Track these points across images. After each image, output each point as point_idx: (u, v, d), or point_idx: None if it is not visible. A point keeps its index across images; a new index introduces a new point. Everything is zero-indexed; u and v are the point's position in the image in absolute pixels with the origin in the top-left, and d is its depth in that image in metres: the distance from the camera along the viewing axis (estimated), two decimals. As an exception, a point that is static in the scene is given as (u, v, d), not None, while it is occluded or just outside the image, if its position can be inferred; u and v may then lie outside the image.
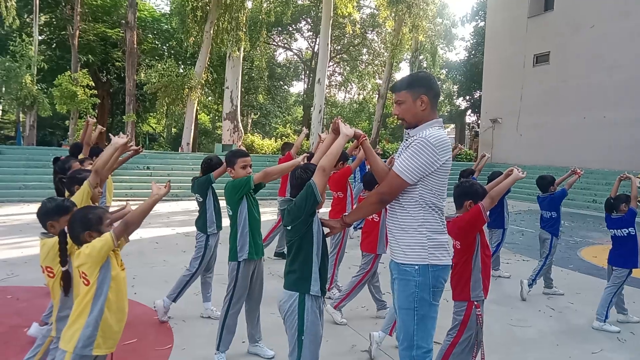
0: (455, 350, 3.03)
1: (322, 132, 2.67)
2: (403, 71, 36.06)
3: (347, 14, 24.91)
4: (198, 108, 25.17)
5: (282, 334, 2.70)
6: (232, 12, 19.32)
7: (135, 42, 20.74)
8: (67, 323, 2.36)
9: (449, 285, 2.91)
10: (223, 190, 3.56)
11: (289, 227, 2.60)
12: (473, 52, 33.23)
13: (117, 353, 2.53)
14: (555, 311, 5.17)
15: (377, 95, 31.23)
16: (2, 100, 21.18)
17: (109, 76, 26.73)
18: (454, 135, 37.34)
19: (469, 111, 36.07)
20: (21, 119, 23.35)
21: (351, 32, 29.62)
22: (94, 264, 2.29)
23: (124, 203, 3.18)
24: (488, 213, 3.06)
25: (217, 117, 33.62)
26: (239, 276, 3.49)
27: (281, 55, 38.13)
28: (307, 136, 19.86)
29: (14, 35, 20.17)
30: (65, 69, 21.43)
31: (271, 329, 3.93)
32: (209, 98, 31.56)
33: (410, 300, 2.42)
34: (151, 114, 30.68)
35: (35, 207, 2.87)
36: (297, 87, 46.94)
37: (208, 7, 19.74)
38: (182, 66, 26.40)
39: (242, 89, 23.92)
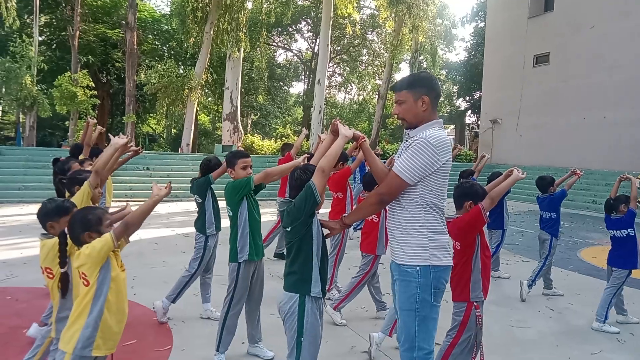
0: (454, 351, 3.03)
1: (322, 133, 2.67)
2: (403, 72, 36.12)
3: (347, 15, 24.92)
4: (198, 109, 25.19)
5: (282, 334, 2.69)
6: (232, 12, 19.33)
7: (135, 43, 20.76)
8: (67, 324, 2.36)
9: (449, 286, 2.91)
10: (223, 191, 3.56)
11: (288, 229, 2.60)
12: (473, 52, 33.25)
13: (116, 354, 2.53)
14: (554, 312, 5.17)
15: (377, 96, 31.25)
16: (2, 101, 21.20)
17: (109, 77, 26.75)
18: (453, 136, 37.35)
19: (469, 112, 36.09)
20: (21, 120, 23.36)
21: (351, 32, 29.64)
22: (93, 264, 2.29)
23: (124, 204, 3.19)
24: (488, 214, 3.06)
25: (217, 118, 33.62)
26: (239, 277, 3.49)
27: (281, 56, 38.21)
28: (307, 137, 19.85)
29: (14, 36, 20.18)
30: (65, 69, 21.45)
31: (270, 329, 3.92)
32: (209, 99, 31.58)
33: (412, 302, 2.41)
34: (151, 115, 30.68)
35: (34, 207, 2.87)
36: (297, 88, 47.04)
37: (208, 8, 19.75)
38: (182, 67, 26.42)
39: (242, 90, 23.93)
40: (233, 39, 19.41)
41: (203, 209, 4.34)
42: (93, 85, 19.68)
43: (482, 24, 30.51)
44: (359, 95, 38.28)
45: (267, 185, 3.74)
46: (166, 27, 27.98)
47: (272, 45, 33.96)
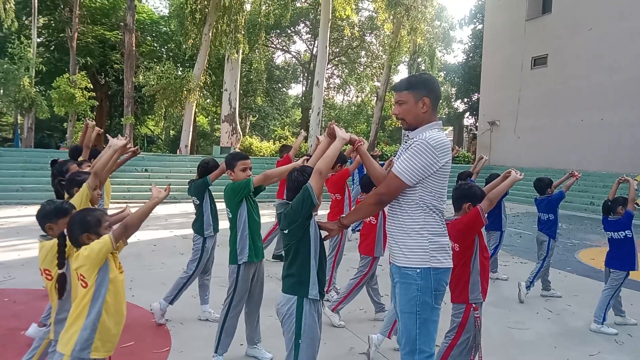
0: (453, 352, 3.03)
1: (320, 135, 2.68)
2: (401, 74, 36.10)
3: (345, 17, 24.93)
4: (196, 110, 25.17)
5: (280, 336, 2.69)
6: (231, 14, 19.34)
7: (133, 45, 20.75)
8: (65, 326, 2.36)
9: (448, 288, 2.91)
10: (221, 193, 3.56)
11: (286, 231, 2.60)
12: (471, 54, 33.31)
13: (114, 356, 2.53)
14: (553, 313, 5.18)
15: (375, 98, 31.30)
16: (0, 103, 21.16)
17: (107, 78, 26.72)
18: (452, 138, 37.37)
19: (467, 114, 36.15)
20: (19, 121, 23.34)
21: (349, 34, 29.65)
22: (92, 266, 2.29)
23: (124, 205, 3.18)
24: (486, 215, 3.06)
25: (215, 120, 33.59)
26: (239, 279, 3.49)
27: (280, 58, 38.23)
28: (305, 139, 19.84)
29: (13, 37, 20.15)
30: (64, 71, 21.42)
31: (269, 331, 3.92)
32: (208, 100, 31.57)
33: (412, 304, 2.39)
34: (149, 117, 30.65)
35: (32, 209, 2.87)
36: (296, 90, 46.97)
37: (207, 10, 19.75)
38: (181, 68, 26.40)
39: (241, 92, 23.92)
40: (232, 40, 19.43)
41: (201, 210, 4.34)
42: (91, 86, 19.68)
43: (480, 26, 30.57)
44: (357, 97, 38.37)
45: (267, 186, 3.74)
46: (165, 28, 27.98)
47: (270, 47, 33.99)
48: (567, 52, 19.52)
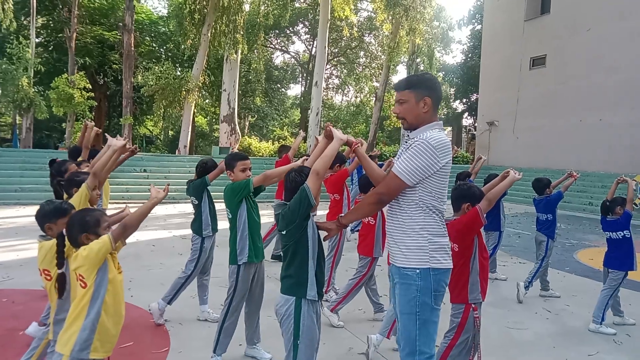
0: (452, 352, 3.03)
1: (319, 135, 2.68)
2: (400, 74, 36.12)
3: (344, 17, 24.97)
4: (195, 111, 25.16)
5: (279, 337, 2.69)
6: (230, 15, 19.33)
7: (132, 45, 20.72)
8: (64, 326, 2.35)
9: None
10: (219, 193, 3.56)
11: (284, 232, 2.60)
12: (470, 55, 33.32)
13: (113, 356, 2.53)
14: (551, 313, 5.18)
15: (374, 98, 31.30)
16: (-2, 103, 21.15)
17: (106, 79, 26.69)
18: (450, 138, 37.34)
19: (466, 114, 36.15)
20: (17, 122, 23.30)
21: (348, 35, 29.70)
22: (91, 266, 2.29)
23: (123, 206, 3.18)
24: (485, 215, 3.07)
25: (214, 120, 33.58)
26: (239, 279, 3.49)
27: (278, 58, 38.26)
28: (304, 139, 19.86)
29: (11, 37, 20.11)
30: (62, 71, 21.38)
31: (268, 331, 3.92)
32: (206, 101, 31.55)
33: (412, 305, 2.38)
34: (148, 117, 30.64)
35: (31, 209, 2.87)
36: (295, 90, 47.01)
37: (206, 10, 19.74)
38: (180, 69, 26.37)
39: (240, 92, 23.91)
40: (230, 41, 19.42)
41: (199, 210, 4.34)
42: (90, 87, 19.64)
43: (478, 27, 30.59)
44: (356, 97, 38.38)
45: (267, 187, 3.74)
46: (163, 29, 27.95)
47: (269, 47, 34.00)
48: (566, 52, 19.55)
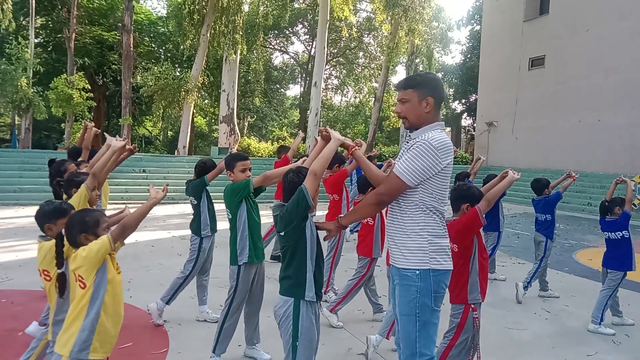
0: (451, 352, 3.04)
1: (318, 135, 2.68)
2: (399, 74, 36.19)
3: (343, 18, 24.98)
4: (194, 111, 25.14)
5: (279, 337, 2.69)
6: (229, 15, 19.34)
7: (131, 45, 20.72)
8: (63, 327, 2.35)
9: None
10: (219, 193, 3.56)
11: (282, 233, 2.59)
12: (469, 55, 33.37)
13: (112, 357, 2.53)
14: (550, 314, 5.19)
15: (373, 99, 31.30)
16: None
17: (105, 79, 26.68)
18: (450, 138, 37.35)
19: (465, 114, 36.19)
20: (16, 122, 23.28)
21: (348, 35, 29.71)
22: (90, 267, 2.29)
23: (123, 206, 3.18)
24: (484, 216, 3.07)
25: (213, 120, 33.57)
26: (239, 280, 3.48)
27: (278, 59, 38.26)
28: (304, 139, 19.87)
29: (10, 38, 20.11)
30: (61, 71, 21.37)
31: (268, 332, 3.92)
32: (206, 101, 31.53)
33: (412, 307, 2.37)
34: (147, 117, 30.63)
35: (30, 210, 2.87)
36: (294, 90, 47.03)
37: (205, 10, 19.74)
38: (179, 69, 26.37)
39: (239, 92, 23.91)
40: (230, 41, 19.42)
41: (198, 210, 4.34)
42: (89, 87, 19.62)
43: (477, 27, 30.63)
44: (355, 97, 38.37)
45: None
46: (163, 29, 27.95)
47: (268, 47, 34.00)
48: (565, 53, 19.57)
